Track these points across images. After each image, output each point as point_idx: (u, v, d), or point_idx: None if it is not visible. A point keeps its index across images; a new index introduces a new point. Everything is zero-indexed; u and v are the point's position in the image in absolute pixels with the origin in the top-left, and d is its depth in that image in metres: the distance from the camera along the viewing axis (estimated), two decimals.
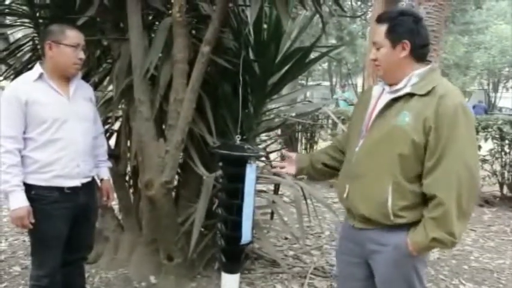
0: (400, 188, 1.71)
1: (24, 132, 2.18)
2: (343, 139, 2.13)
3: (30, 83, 2.21)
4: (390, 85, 1.82)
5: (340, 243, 2.10)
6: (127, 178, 3.66)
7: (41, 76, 2.23)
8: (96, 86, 3.46)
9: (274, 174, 3.49)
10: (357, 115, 1.98)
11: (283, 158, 2.27)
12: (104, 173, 2.63)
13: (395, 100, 1.76)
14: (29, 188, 2.18)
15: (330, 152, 2.16)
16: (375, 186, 1.76)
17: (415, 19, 1.76)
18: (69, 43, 2.22)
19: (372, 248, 1.84)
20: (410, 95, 1.72)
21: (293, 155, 2.22)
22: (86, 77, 3.18)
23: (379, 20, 1.79)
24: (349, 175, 1.89)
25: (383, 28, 1.76)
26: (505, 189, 6.28)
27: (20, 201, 2.14)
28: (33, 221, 2.17)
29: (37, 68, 2.26)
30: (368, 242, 1.85)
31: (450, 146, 1.62)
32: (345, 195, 1.91)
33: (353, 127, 1.99)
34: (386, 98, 1.80)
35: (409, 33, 1.73)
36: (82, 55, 2.28)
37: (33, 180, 2.20)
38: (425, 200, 1.71)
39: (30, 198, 2.17)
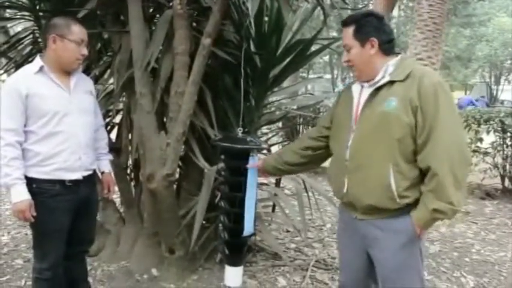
0: (401, 169, 1.78)
1: (25, 125, 2.17)
2: (323, 129, 2.16)
3: (30, 76, 2.20)
4: (368, 81, 1.89)
5: (341, 234, 2.16)
6: (128, 171, 3.66)
7: (41, 69, 2.22)
8: (97, 79, 3.45)
9: None
10: (341, 114, 2.03)
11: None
12: (105, 166, 2.63)
13: (378, 89, 1.84)
14: (30, 181, 2.18)
15: (297, 151, 2.22)
16: (376, 173, 1.81)
17: (378, 18, 1.88)
18: (74, 39, 2.21)
19: (375, 236, 1.88)
20: (391, 83, 1.81)
21: (260, 164, 2.29)
22: (86, 70, 3.17)
23: (345, 24, 1.91)
24: (346, 170, 1.92)
25: (350, 30, 1.87)
26: (507, 182, 6.27)
27: (21, 195, 2.13)
28: (34, 214, 2.17)
29: (37, 61, 2.25)
30: (371, 231, 1.89)
31: (436, 120, 1.71)
32: (344, 190, 1.94)
33: (339, 126, 2.03)
34: (368, 91, 1.88)
35: (374, 31, 1.85)
36: (85, 51, 2.27)
37: (34, 173, 2.20)
38: (423, 178, 1.78)
39: (31, 191, 2.17)
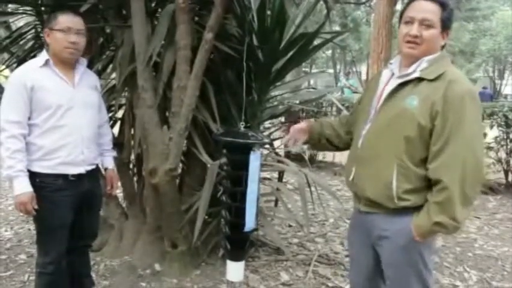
0: (405, 170, 1.72)
1: (29, 118, 2.18)
2: (350, 119, 2.12)
3: (36, 69, 2.22)
4: (401, 68, 1.81)
5: (350, 230, 2.13)
6: (131, 166, 3.66)
7: (47, 62, 2.24)
8: (99, 74, 3.44)
9: (278, 161, 3.48)
10: (366, 99, 1.98)
11: (290, 126, 2.25)
12: (109, 162, 2.63)
13: (403, 84, 1.76)
14: (33, 176, 2.18)
15: (336, 129, 2.14)
16: (381, 168, 1.77)
17: (452, 12, 1.78)
18: (59, 28, 2.21)
19: (377, 234, 1.85)
20: (419, 80, 1.72)
21: (305, 126, 2.18)
22: (89, 65, 3.16)
23: None
24: (356, 158, 1.90)
25: (437, 9, 1.72)
26: (510, 177, 6.24)
27: (23, 187, 2.14)
28: (36, 206, 2.18)
29: (43, 55, 2.27)
30: (374, 228, 1.87)
31: (456, 131, 1.62)
32: (351, 178, 1.92)
33: (361, 111, 1.98)
34: (395, 82, 1.80)
35: (451, 25, 1.77)
36: (73, 39, 2.22)
37: (37, 167, 2.21)
38: (429, 184, 1.71)
39: (34, 185, 2.17)
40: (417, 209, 1.74)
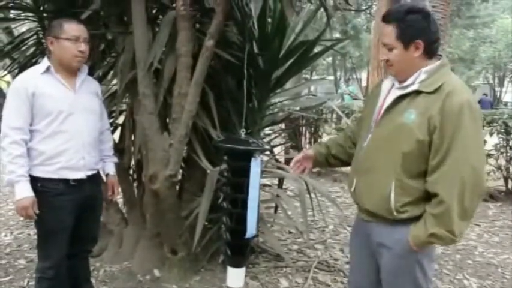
0: (403, 184, 1.71)
1: (31, 124, 2.20)
2: (355, 130, 2.12)
3: (37, 76, 2.24)
4: (401, 81, 1.80)
5: (352, 236, 2.13)
6: (131, 172, 3.66)
7: (48, 69, 2.26)
8: (100, 80, 3.46)
9: (279, 168, 3.48)
10: (367, 109, 1.98)
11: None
12: (110, 168, 2.65)
13: (402, 97, 1.74)
14: (34, 180, 2.20)
15: (342, 144, 2.14)
16: (379, 181, 1.77)
17: (425, 16, 1.71)
18: (67, 37, 2.23)
19: (377, 241, 1.86)
20: (417, 92, 1.70)
21: (311, 153, 2.17)
22: (90, 71, 3.18)
23: (386, 19, 1.74)
24: (357, 169, 1.91)
25: (392, 29, 1.71)
26: (510, 184, 6.24)
27: (24, 191, 2.15)
28: (37, 211, 2.19)
29: (45, 61, 2.29)
30: (374, 236, 1.87)
31: (455, 145, 1.60)
32: (352, 188, 1.93)
33: (363, 121, 1.99)
34: (395, 94, 1.78)
35: (421, 32, 1.69)
36: (82, 47, 2.26)
37: (38, 172, 2.22)
38: (428, 195, 1.70)
39: (35, 190, 2.19)
40: (416, 219, 1.73)
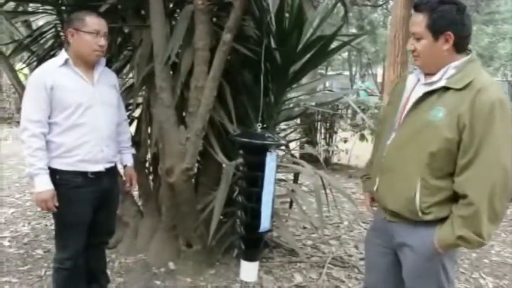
0: (429, 185, 1.67)
1: (49, 117, 2.22)
2: (380, 131, 2.06)
3: (55, 69, 2.25)
4: (426, 75, 1.75)
5: (370, 234, 2.09)
6: (147, 165, 3.69)
7: (66, 62, 2.27)
8: (117, 73, 3.47)
9: (294, 163, 3.47)
10: (391, 107, 1.93)
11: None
12: (128, 159, 2.67)
13: (429, 93, 1.69)
14: (53, 173, 2.22)
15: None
16: (404, 181, 1.73)
17: (459, 8, 1.64)
18: (88, 30, 2.23)
19: (400, 241, 1.82)
20: (445, 89, 1.65)
21: (367, 194, 2.14)
22: (107, 64, 3.20)
23: (418, 7, 1.68)
24: (380, 168, 1.86)
25: (422, 18, 1.65)
26: None
27: (44, 184, 2.18)
28: (57, 204, 2.21)
29: (63, 54, 2.29)
30: (397, 235, 1.84)
31: (485, 144, 1.56)
32: (375, 188, 1.90)
33: (386, 119, 1.95)
34: (421, 90, 1.73)
35: (452, 25, 1.62)
36: (102, 42, 2.28)
37: (57, 164, 2.24)
38: (455, 196, 1.66)
39: (54, 182, 2.21)
40: (441, 220, 1.69)
